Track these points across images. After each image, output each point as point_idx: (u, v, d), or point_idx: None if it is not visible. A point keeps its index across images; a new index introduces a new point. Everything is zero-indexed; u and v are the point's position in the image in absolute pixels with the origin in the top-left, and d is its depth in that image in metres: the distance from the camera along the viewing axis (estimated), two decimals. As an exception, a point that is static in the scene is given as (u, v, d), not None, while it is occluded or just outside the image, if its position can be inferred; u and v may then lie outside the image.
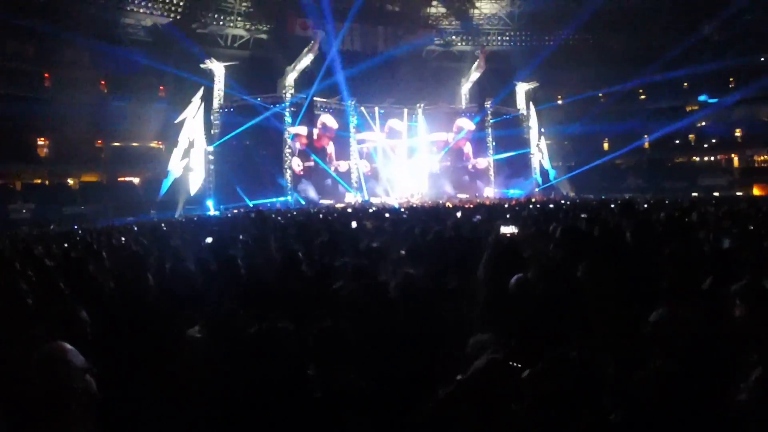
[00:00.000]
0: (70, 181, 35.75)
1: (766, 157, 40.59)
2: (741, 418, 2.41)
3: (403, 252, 5.09)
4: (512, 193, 35.86)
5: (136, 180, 37.73)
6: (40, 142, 35.25)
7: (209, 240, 7.80)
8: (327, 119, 34.89)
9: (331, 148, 35.11)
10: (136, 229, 15.85)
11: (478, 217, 10.89)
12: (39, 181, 35.14)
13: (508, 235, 5.55)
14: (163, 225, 16.82)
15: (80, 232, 15.32)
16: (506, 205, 19.99)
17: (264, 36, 39.28)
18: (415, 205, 24.26)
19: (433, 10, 42.90)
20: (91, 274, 5.06)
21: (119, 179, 37.45)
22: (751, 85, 36.34)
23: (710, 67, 36.32)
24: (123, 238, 11.88)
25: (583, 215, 9.83)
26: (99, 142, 37.05)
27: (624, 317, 3.11)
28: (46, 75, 35.23)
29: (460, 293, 3.85)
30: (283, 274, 4.72)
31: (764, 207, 12.33)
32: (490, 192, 37.32)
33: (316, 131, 34.35)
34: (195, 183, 30.82)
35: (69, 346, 2.29)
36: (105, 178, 36.77)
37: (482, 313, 3.44)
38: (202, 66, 31.82)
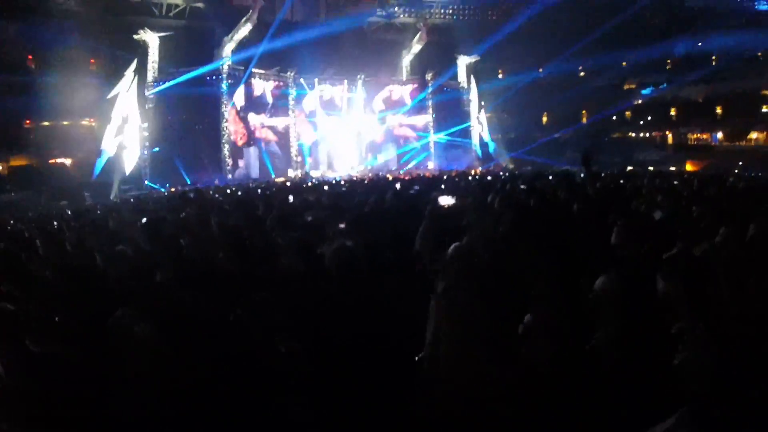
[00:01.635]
0: (-2, 166, 33.74)
1: (698, 135, 42.90)
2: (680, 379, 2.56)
3: (342, 225, 5.11)
4: (452, 165, 36.23)
5: (68, 161, 35.86)
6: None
7: (144, 220, 7.63)
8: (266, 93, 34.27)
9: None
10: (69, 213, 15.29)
11: (416, 188, 11.02)
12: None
13: (446, 206, 5.64)
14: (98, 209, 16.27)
15: (11, 221, 14.60)
16: (445, 177, 20.23)
17: (200, 5, 37.76)
18: (355, 178, 24.28)
19: (376, -20, 42.21)
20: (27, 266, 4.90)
21: (50, 161, 35.51)
22: (686, 67, 38.93)
23: (649, 49, 37.90)
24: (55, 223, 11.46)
25: (522, 186, 10.09)
26: (27, 122, 35.03)
27: (566, 284, 3.22)
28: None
29: (398, 263, 3.91)
30: (225, 252, 4.68)
31: (695, 181, 12.91)
32: (430, 164, 37.63)
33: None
34: (130, 161, 29.65)
35: None
36: (35, 162, 34.76)
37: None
38: (135, 37, 30.42)
